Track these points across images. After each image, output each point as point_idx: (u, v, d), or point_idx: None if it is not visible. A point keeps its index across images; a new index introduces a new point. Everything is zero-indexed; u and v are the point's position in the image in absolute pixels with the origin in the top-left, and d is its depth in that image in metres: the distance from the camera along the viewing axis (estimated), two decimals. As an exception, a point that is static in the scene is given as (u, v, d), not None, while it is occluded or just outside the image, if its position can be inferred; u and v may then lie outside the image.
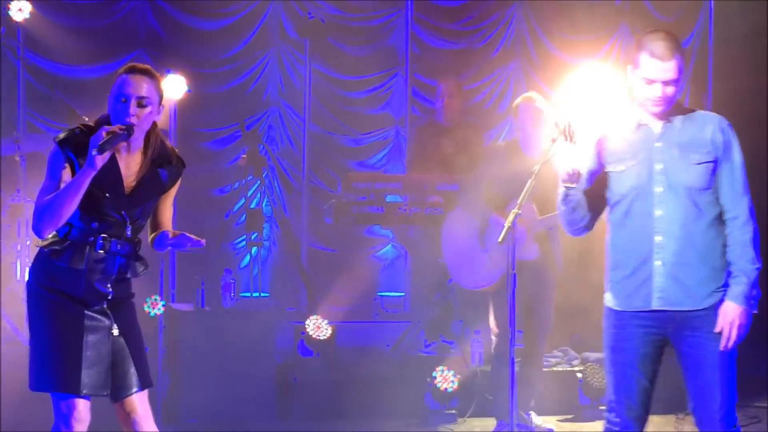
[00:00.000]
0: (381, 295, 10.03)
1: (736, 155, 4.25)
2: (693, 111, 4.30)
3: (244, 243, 9.34)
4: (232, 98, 9.68)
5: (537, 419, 6.76)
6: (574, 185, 4.28)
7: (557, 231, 6.63)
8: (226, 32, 9.74)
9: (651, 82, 4.21)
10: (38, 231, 4.13)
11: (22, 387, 6.07)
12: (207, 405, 6.97)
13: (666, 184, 4.20)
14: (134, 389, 4.24)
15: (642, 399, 4.27)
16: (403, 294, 10.03)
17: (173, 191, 4.39)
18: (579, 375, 7.40)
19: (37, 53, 8.95)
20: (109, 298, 4.22)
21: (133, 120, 4.10)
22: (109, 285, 4.21)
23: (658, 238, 4.19)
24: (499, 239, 4.75)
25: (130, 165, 4.22)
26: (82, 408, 4.14)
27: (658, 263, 4.19)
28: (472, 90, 10.08)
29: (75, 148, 4.09)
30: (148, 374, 4.32)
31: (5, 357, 6.66)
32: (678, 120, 4.25)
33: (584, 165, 4.26)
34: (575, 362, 7.77)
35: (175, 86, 7.64)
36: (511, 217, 4.78)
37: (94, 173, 4.03)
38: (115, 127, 4.06)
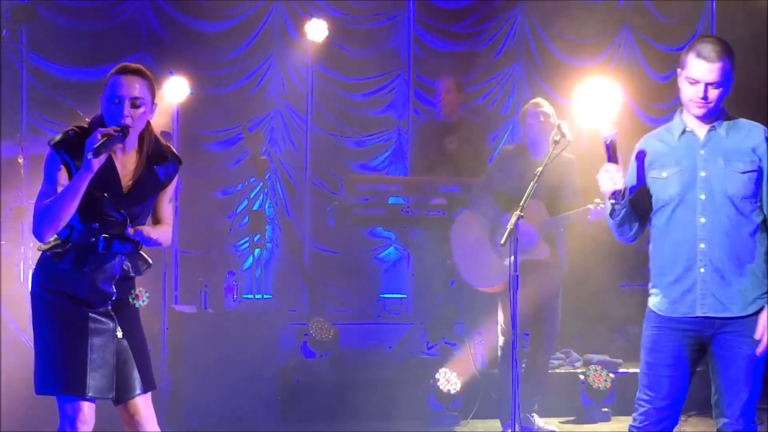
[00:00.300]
0: (383, 297, 10.04)
1: None
2: (737, 119, 4.34)
3: (246, 245, 9.35)
4: (235, 100, 9.69)
5: (539, 421, 6.76)
6: (620, 202, 4.30)
7: (565, 232, 6.67)
8: (228, 34, 9.76)
9: (695, 82, 4.25)
10: (39, 235, 4.13)
11: (23, 388, 6.09)
12: (209, 406, 6.97)
13: (709, 192, 4.25)
14: (137, 392, 4.23)
15: (672, 400, 4.33)
16: (405, 296, 10.04)
17: (170, 188, 4.38)
18: (581, 377, 7.40)
19: (40, 56, 8.96)
20: (113, 299, 4.23)
21: (128, 121, 4.10)
22: (113, 285, 4.22)
23: (701, 246, 4.25)
24: (501, 241, 4.75)
25: (126, 164, 4.22)
26: (87, 410, 4.14)
27: (702, 270, 4.26)
28: (475, 92, 10.10)
29: (70, 150, 4.10)
30: (151, 377, 4.32)
31: (6, 358, 6.67)
32: (723, 128, 4.30)
33: (626, 180, 4.27)
34: (578, 364, 7.78)
35: (177, 88, 7.66)
36: (513, 219, 4.78)
37: (91, 176, 4.03)
38: (110, 129, 4.05)
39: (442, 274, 7.91)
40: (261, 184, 8.86)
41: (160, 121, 7.75)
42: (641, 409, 4.38)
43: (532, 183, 4.85)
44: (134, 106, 4.12)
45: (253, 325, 7.18)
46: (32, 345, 6.95)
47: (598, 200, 6.17)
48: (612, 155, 4.25)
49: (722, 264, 4.23)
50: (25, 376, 6.35)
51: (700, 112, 4.27)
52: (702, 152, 4.29)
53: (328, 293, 9.73)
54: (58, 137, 4.14)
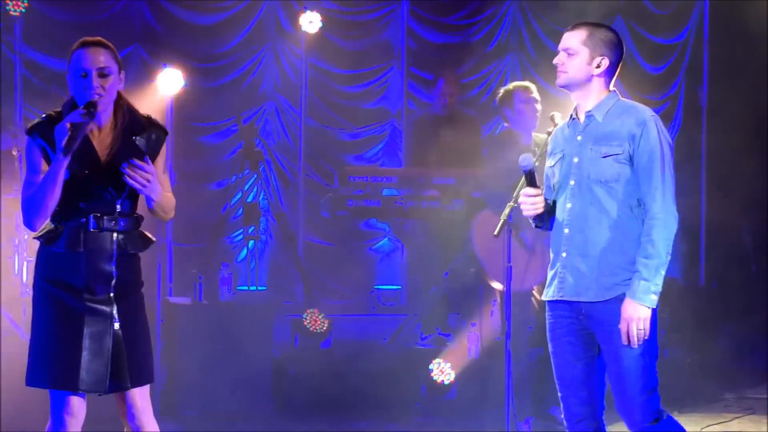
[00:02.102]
0: (377, 289, 10.07)
1: (654, 149, 4.11)
2: (625, 103, 4.27)
3: (241, 237, 9.36)
4: (229, 92, 9.69)
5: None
6: (542, 223, 4.34)
7: None
8: (222, 26, 9.75)
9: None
10: (29, 224, 4.12)
11: (18, 383, 6.11)
12: (204, 398, 6.99)
13: (578, 178, 4.21)
14: (128, 384, 4.14)
15: (583, 393, 4.21)
16: (399, 287, 10.06)
17: (160, 161, 4.26)
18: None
19: (34, 48, 8.95)
20: (114, 281, 4.12)
21: (99, 91, 4.05)
22: (113, 264, 4.13)
23: (565, 231, 4.22)
24: (495, 232, 4.76)
25: (103, 139, 4.14)
26: (77, 404, 4.10)
27: (564, 255, 4.22)
28: (468, 84, 10.11)
29: (44, 134, 4.06)
30: (147, 370, 4.22)
31: (3, 353, 6.66)
32: (602, 113, 4.23)
33: (539, 206, 4.25)
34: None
35: (171, 81, 7.66)
36: (506, 211, 4.79)
37: (66, 161, 3.99)
38: (76, 114, 3.98)
39: (436, 266, 7.92)
40: (255, 176, 8.87)
41: (154, 113, 7.79)
42: (564, 405, 4.28)
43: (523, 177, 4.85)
44: (102, 75, 4.06)
45: (248, 316, 7.21)
46: (25, 337, 7.01)
47: None
48: (531, 182, 4.24)
49: (582, 249, 4.16)
50: (20, 370, 6.41)
51: (558, 81, 4.29)
52: (579, 138, 4.25)
53: (323, 285, 9.75)
54: (31, 124, 4.12)
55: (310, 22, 9.35)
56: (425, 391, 7.21)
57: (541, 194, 4.26)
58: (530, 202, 4.23)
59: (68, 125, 3.96)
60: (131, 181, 4.05)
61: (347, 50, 10.05)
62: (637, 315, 4.03)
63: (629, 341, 4.03)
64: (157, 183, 4.13)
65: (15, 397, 6.31)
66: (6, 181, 7.61)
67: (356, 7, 10.11)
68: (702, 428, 6.72)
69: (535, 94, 6.66)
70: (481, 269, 7.03)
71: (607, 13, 10.30)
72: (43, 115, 4.12)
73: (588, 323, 4.18)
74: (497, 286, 6.76)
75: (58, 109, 4.13)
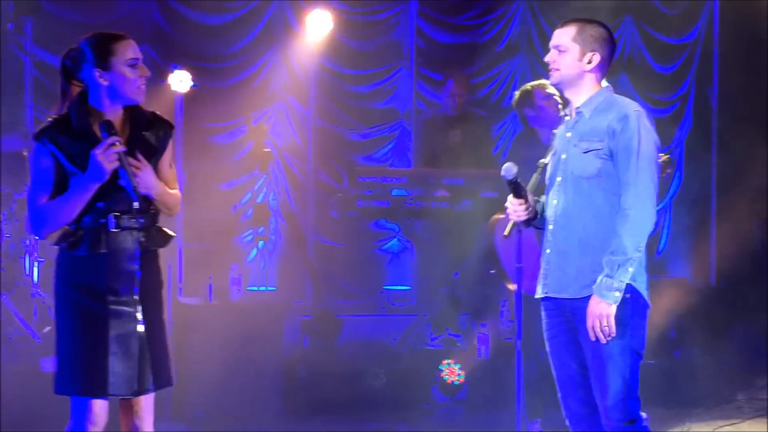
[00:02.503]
0: (387, 289, 10.06)
1: (631, 143, 4.07)
2: (615, 98, 4.25)
3: (251, 237, 9.37)
4: (238, 93, 9.68)
5: None
6: (527, 227, 4.40)
7: None
8: (231, 27, 9.75)
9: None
10: (38, 232, 4.07)
11: (23, 381, 6.13)
12: (214, 398, 6.99)
13: (564, 174, 4.22)
14: (151, 386, 4.10)
15: (580, 392, 4.21)
16: (409, 287, 10.05)
17: (167, 156, 4.22)
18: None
19: (44, 48, 8.96)
20: (138, 281, 4.06)
21: (143, 83, 4.05)
22: (136, 264, 4.06)
23: (550, 227, 4.24)
24: (505, 233, 4.75)
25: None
26: (99, 410, 4.03)
27: (548, 251, 4.24)
28: (478, 84, 10.09)
29: (54, 140, 3.96)
30: (167, 372, 4.18)
31: (12, 352, 6.67)
32: (590, 109, 4.22)
33: (521, 215, 4.29)
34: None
35: (180, 81, 7.68)
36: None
37: (99, 185, 3.94)
38: (110, 144, 3.90)
39: (446, 266, 7.92)
40: (265, 176, 8.87)
41: (163, 114, 7.81)
42: (563, 405, 4.29)
43: (534, 175, 4.83)
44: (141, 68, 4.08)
45: (258, 317, 7.21)
46: (38, 337, 7.03)
47: None
48: (515, 190, 4.26)
49: (564, 245, 4.17)
50: (28, 370, 6.43)
51: (552, 79, 4.29)
52: (568, 135, 4.26)
53: (332, 285, 9.75)
54: (39, 128, 4.01)
55: (319, 22, 9.35)
56: (435, 392, 7.21)
57: (525, 203, 4.27)
58: (512, 210, 4.29)
59: (117, 155, 3.90)
60: (126, 179, 3.97)
61: (356, 50, 10.04)
62: (599, 311, 4.02)
63: (596, 338, 4.03)
64: (149, 177, 4.05)
65: (16, 396, 6.33)
66: (17, 182, 7.63)
67: (365, 7, 10.10)
68: (714, 429, 6.70)
69: (553, 90, 6.64)
70: (501, 270, 7.01)
71: (617, 13, 10.29)
72: (49, 120, 4.02)
73: (574, 320, 4.18)
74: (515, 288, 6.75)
75: (64, 114, 4.03)
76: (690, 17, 10.51)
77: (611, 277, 4.01)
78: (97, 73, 4.04)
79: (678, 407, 7.05)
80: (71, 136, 3.98)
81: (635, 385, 4.11)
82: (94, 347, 3.98)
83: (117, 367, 3.99)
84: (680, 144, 10.67)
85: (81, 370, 4.00)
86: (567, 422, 4.28)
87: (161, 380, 4.15)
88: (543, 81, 6.79)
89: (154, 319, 4.12)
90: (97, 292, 4.01)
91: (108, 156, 3.91)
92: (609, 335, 4.01)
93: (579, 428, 4.23)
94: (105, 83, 4.03)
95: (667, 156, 5.62)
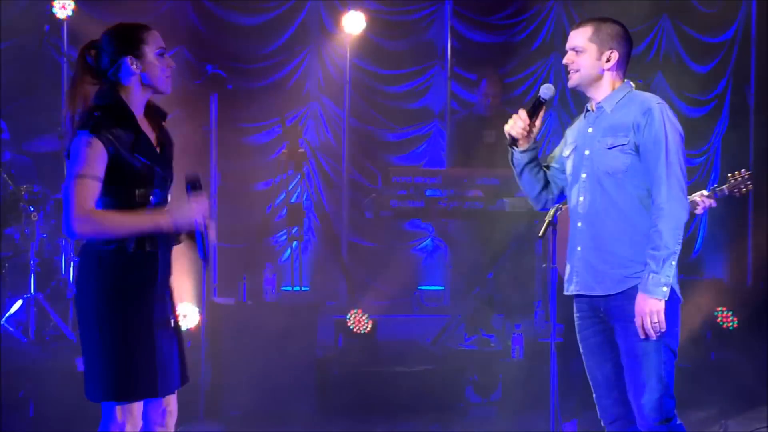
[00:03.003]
0: (421, 289, 10.06)
1: (658, 137, 4.05)
2: (635, 94, 4.22)
3: (285, 237, 9.39)
4: (273, 93, 9.73)
5: None
6: (514, 147, 4.31)
7: None
8: (266, 27, 9.79)
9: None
10: (72, 234, 3.80)
11: (58, 383, 6.14)
12: (249, 398, 7.00)
13: (589, 170, 4.18)
14: (180, 382, 4.04)
15: (615, 393, 4.19)
16: (442, 288, 10.04)
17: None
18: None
19: (81, 50, 9.03)
20: (172, 275, 4.01)
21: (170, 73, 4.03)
22: (170, 256, 4.00)
23: (579, 224, 4.21)
24: (540, 233, 4.74)
25: (145, 129, 3.97)
26: (136, 411, 3.92)
27: (579, 249, 4.20)
28: (512, 83, 10.08)
29: (111, 132, 3.83)
30: (187, 368, 4.11)
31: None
32: (612, 104, 4.19)
33: (517, 130, 4.24)
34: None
35: (215, 82, 7.69)
36: (552, 212, 4.77)
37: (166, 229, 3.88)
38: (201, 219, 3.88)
39: (480, 266, 7.89)
40: (299, 176, 8.89)
41: (199, 114, 7.85)
42: (598, 406, 4.26)
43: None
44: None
45: (292, 317, 7.21)
46: (74, 337, 7.07)
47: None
48: (534, 108, 4.23)
49: (593, 242, 4.14)
50: (63, 369, 6.47)
51: (570, 82, 4.26)
52: (590, 130, 4.23)
53: (366, 285, 9.76)
54: (92, 122, 3.81)
55: (354, 22, 9.36)
56: (469, 392, 7.19)
57: (530, 126, 4.24)
58: (515, 120, 4.24)
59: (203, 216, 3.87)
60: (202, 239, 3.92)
61: (390, 50, 10.05)
62: (648, 308, 3.99)
63: (646, 335, 4.00)
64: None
65: (51, 397, 6.37)
66: (53, 182, 7.69)
67: (399, 7, 10.11)
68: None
69: None
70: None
71: (654, 12, 10.24)
72: (96, 113, 3.84)
73: (607, 318, 4.16)
74: None
75: (104, 106, 3.88)
76: (727, 16, 10.43)
77: (657, 273, 3.98)
78: (129, 60, 3.94)
79: (713, 409, 6.99)
80: (123, 128, 3.86)
81: (671, 383, 4.08)
82: (148, 348, 3.86)
83: (163, 368, 3.91)
84: (717, 143, 10.59)
85: (135, 374, 3.84)
86: (602, 422, 4.26)
87: (186, 376, 4.10)
88: None
89: (176, 314, 4.09)
90: (147, 290, 3.89)
91: (199, 212, 3.88)
92: (659, 332, 3.99)
93: (614, 429, 4.21)
94: (138, 71, 3.94)
95: (748, 172, 5.39)
